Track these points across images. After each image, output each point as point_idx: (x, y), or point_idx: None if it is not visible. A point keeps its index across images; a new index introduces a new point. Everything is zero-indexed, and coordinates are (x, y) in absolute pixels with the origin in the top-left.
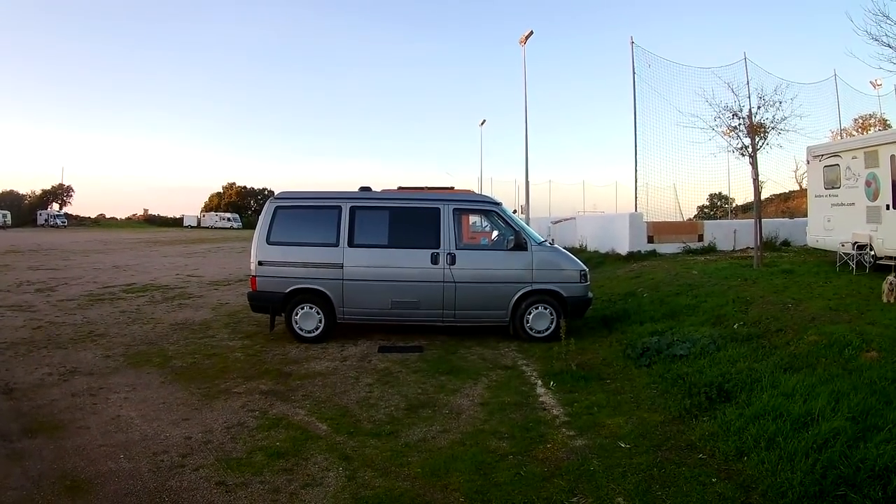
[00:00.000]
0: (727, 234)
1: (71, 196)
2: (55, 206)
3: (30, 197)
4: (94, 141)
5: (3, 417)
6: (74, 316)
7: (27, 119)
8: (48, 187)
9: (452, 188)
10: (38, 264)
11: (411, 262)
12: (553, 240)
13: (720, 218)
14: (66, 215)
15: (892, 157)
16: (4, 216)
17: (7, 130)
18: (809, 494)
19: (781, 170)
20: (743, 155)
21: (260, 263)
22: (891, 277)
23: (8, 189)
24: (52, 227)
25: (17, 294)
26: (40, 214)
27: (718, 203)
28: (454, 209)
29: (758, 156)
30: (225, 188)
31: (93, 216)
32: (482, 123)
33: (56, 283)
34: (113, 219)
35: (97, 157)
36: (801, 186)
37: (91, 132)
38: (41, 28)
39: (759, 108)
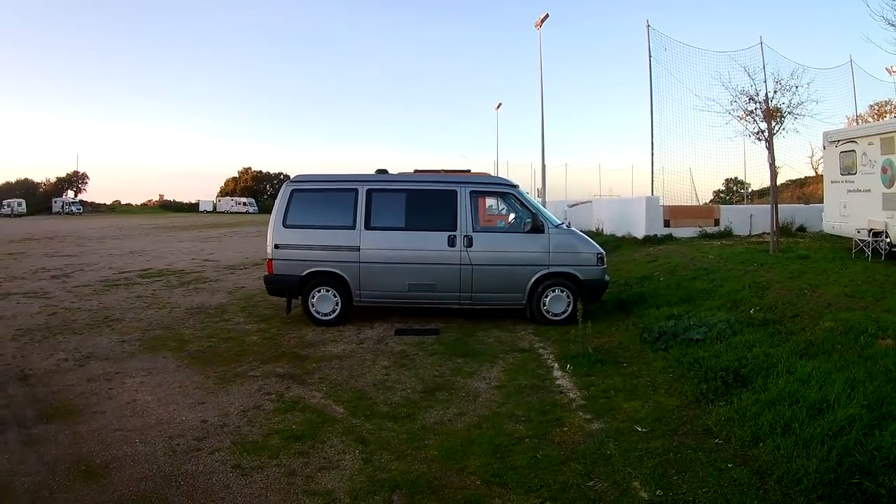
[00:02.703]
0: (743, 219)
1: (86, 183)
2: (70, 194)
3: (45, 185)
4: (108, 128)
5: (19, 403)
6: (90, 302)
7: (42, 107)
8: (63, 175)
9: (469, 171)
10: (53, 251)
11: (428, 245)
12: (570, 223)
13: (736, 203)
14: (82, 202)
15: None
16: (20, 204)
17: (22, 119)
18: (824, 482)
19: (797, 155)
20: (759, 140)
21: (276, 247)
22: None
23: (23, 177)
24: (67, 214)
25: (33, 281)
26: (56, 202)
27: (734, 188)
28: (471, 191)
29: (774, 141)
30: (241, 173)
31: (108, 203)
32: (498, 107)
33: (72, 270)
34: (128, 205)
35: (112, 143)
36: (816, 172)
37: (106, 119)
38: (57, 17)
39: (775, 92)
